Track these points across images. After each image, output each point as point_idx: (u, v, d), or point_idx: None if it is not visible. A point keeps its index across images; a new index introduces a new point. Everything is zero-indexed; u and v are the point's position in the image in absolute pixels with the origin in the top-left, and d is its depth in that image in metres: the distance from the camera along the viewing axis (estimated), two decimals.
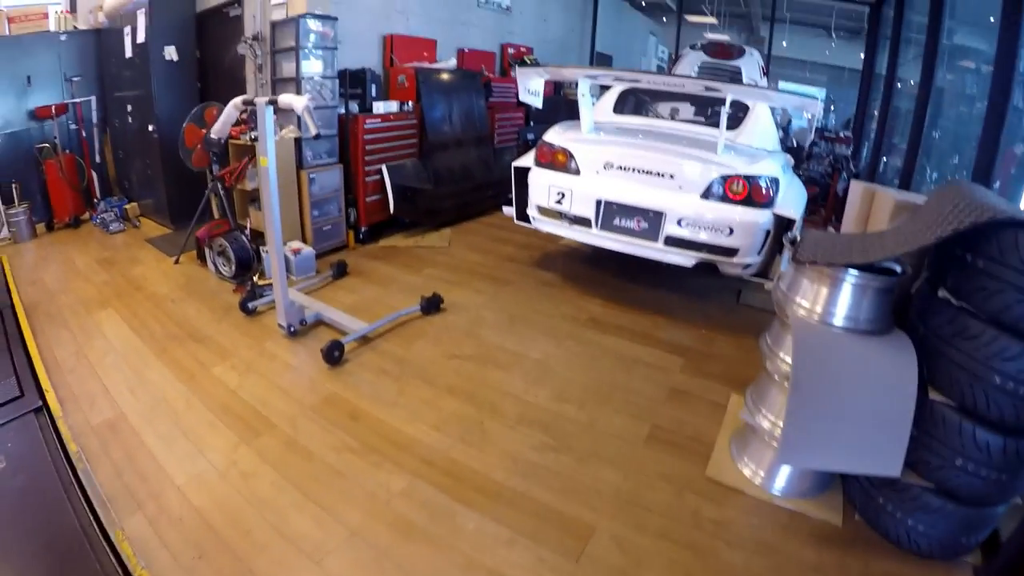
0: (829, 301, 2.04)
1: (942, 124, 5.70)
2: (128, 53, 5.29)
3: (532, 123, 6.87)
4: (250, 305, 3.56)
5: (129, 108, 5.52)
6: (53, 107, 5.33)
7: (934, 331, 1.88)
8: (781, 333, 2.25)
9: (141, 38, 5.04)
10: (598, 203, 3.60)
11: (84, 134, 5.71)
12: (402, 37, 5.80)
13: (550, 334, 3.40)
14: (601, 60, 11.59)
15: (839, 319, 2.02)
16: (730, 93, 3.60)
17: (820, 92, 15.30)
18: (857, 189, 3.32)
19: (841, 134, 8.72)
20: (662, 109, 4.79)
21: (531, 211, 4.00)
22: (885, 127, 7.53)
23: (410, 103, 5.22)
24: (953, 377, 1.78)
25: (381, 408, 2.63)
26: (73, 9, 5.89)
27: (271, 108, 3.03)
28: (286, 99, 3.04)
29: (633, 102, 4.75)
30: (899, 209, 2.67)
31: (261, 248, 4.05)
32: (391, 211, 4.96)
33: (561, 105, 6.76)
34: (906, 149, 5.63)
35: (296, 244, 4.26)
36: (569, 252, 4.83)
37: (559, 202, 3.75)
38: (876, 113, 8.31)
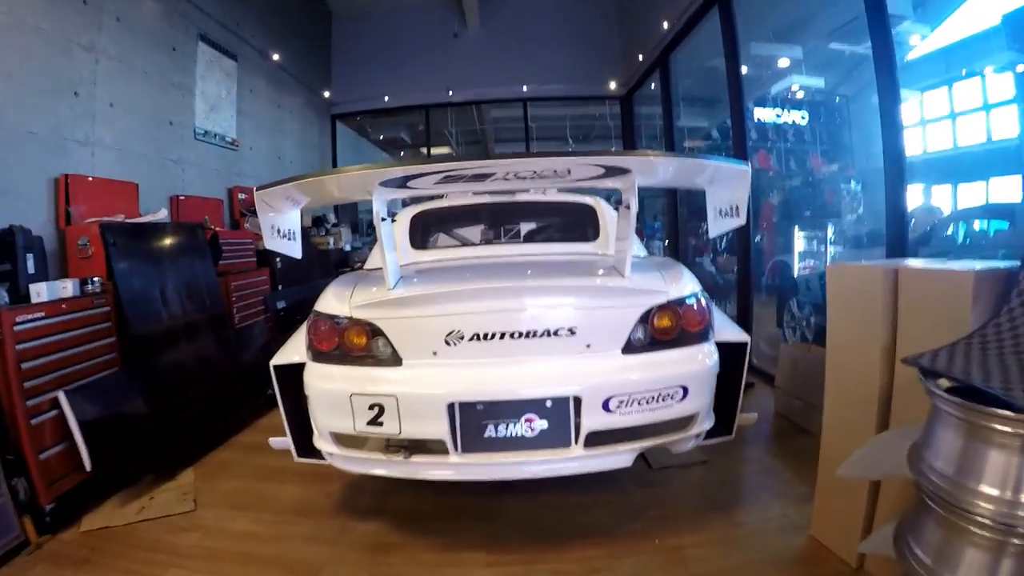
0: None
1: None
2: None
3: (280, 287, 5.22)
4: None
5: None
6: None
7: None
8: (947, 540, 1.35)
9: None
10: (451, 408, 2.12)
11: None
12: (86, 180, 4.01)
13: None
14: None
15: None
16: (636, 171, 2.23)
17: None
18: (851, 274, 2.20)
19: None
20: (471, 234, 3.58)
21: (321, 441, 2.34)
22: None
23: (98, 279, 3.27)
24: None
25: None
26: None
27: None
28: None
29: (433, 231, 3.54)
30: (981, 282, 1.68)
31: None
32: (89, 467, 2.78)
33: (313, 258, 5.14)
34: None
35: None
36: None
37: (376, 421, 2.16)
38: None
